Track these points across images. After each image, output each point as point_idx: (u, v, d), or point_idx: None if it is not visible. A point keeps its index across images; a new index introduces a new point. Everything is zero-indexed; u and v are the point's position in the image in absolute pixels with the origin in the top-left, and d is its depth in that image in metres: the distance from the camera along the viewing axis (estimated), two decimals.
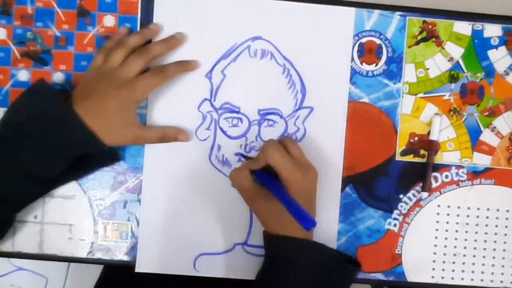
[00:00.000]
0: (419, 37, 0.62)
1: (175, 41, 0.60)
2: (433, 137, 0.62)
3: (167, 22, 0.61)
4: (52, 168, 0.55)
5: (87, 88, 0.56)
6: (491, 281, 0.63)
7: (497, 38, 0.63)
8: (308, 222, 0.50)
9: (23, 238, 0.61)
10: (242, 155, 0.61)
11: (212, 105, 0.61)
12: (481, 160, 0.63)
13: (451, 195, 0.63)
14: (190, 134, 0.61)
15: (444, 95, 0.63)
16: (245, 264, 0.61)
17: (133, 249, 0.62)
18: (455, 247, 0.63)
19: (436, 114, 0.63)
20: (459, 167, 0.63)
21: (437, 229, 0.63)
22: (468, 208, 0.63)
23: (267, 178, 0.55)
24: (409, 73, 0.62)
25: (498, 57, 0.63)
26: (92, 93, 0.55)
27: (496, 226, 0.63)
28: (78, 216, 0.61)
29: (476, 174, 0.63)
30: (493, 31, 0.63)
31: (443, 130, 0.63)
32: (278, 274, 0.54)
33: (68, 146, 0.54)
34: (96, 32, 0.61)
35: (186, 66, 0.60)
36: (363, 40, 0.62)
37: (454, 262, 0.63)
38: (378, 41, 0.62)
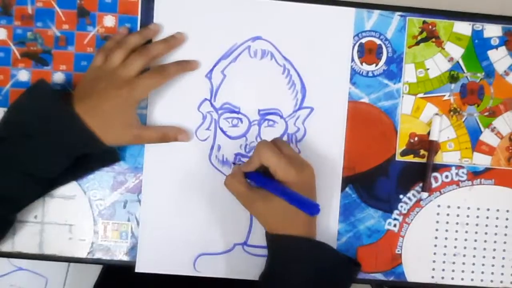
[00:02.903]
0: (419, 37, 0.62)
1: (175, 41, 0.60)
2: (433, 137, 0.62)
3: (167, 22, 0.61)
4: (52, 168, 0.55)
5: (87, 88, 0.56)
6: (491, 281, 0.63)
7: (497, 38, 0.63)
8: (312, 208, 0.50)
9: (23, 238, 0.61)
10: (233, 163, 0.61)
11: (212, 105, 0.61)
12: (481, 160, 0.63)
13: (451, 195, 0.63)
14: (190, 134, 0.61)
15: (444, 95, 0.63)
16: (245, 264, 0.61)
17: (133, 249, 0.62)
18: (455, 247, 0.63)
19: (436, 114, 0.63)
20: (459, 167, 0.63)
21: (437, 229, 0.63)
22: (468, 208, 0.63)
23: (262, 178, 0.55)
24: (409, 73, 0.62)
25: (498, 57, 0.63)
26: (92, 93, 0.55)
27: (496, 226, 0.63)
28: (78, 216, 0.61)
29: (476, 174, 0.63)
30: (493, 31, 0.63)
31: (443, 130, 0.63)
32: (281, 272, 0.54)
33: (68, 146, 0.54)
34: (96, 32, 0.61)
35: (186, 66, 0.60)
36: (363, 40, 0.62)
37: (454, 262, 0.63)
38: (378, 41, 0.62)
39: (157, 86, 0.57)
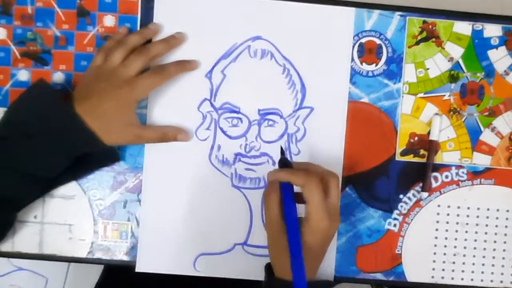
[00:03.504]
0: (419, 37, 0.62)
1: (175, 40, 0.60)
2: (433, 137, 0.62)
3: (167, 22, 0.61)
4: (52, 168, 0.55)
5: (87, 88, 0.56)
6: (491, 281, 0.63)
7: (497, 38, 0.63)
8: (300, 286, 0.47)
9: (23, 238, 0.61)
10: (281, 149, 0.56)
11: (212, 105, 0.61)
12: (481, 160, 0.63)
13: (451, 195, 0.63)
14: (190, 134, 0.61)
15: (444, 95, 0.63)
16: (245, 264, 0.61)
17: (133, 249, 0.62)
18: (455, 247, 0.63)
19: (436, 114, 0.62)
20: (459, 167, 0.63)
21: (437, 229, 0.63)
22: (468, 208, 0.63)
23: (294, 210, 0.50)
24: (409, 73, 0.62)
25: (498, 57, 0.63)
26: (92, 93, 0.55)
27: (496, 226, 0.63)
28: (78, 216, 0.61)
29: (476, 174, 0.63)
30: (493, 31, 0.63)
31: (443, 130, 0.63)
32: None
33: (68, 146, 0.54)
34: (96, 32, 0.61)
35: (186, 65, 0.60)
36: (363, 40, 0.62)
37: (454, 262, 0.63)
38: (378, 41, 0.62)
39: (157, 86, 0.57)
